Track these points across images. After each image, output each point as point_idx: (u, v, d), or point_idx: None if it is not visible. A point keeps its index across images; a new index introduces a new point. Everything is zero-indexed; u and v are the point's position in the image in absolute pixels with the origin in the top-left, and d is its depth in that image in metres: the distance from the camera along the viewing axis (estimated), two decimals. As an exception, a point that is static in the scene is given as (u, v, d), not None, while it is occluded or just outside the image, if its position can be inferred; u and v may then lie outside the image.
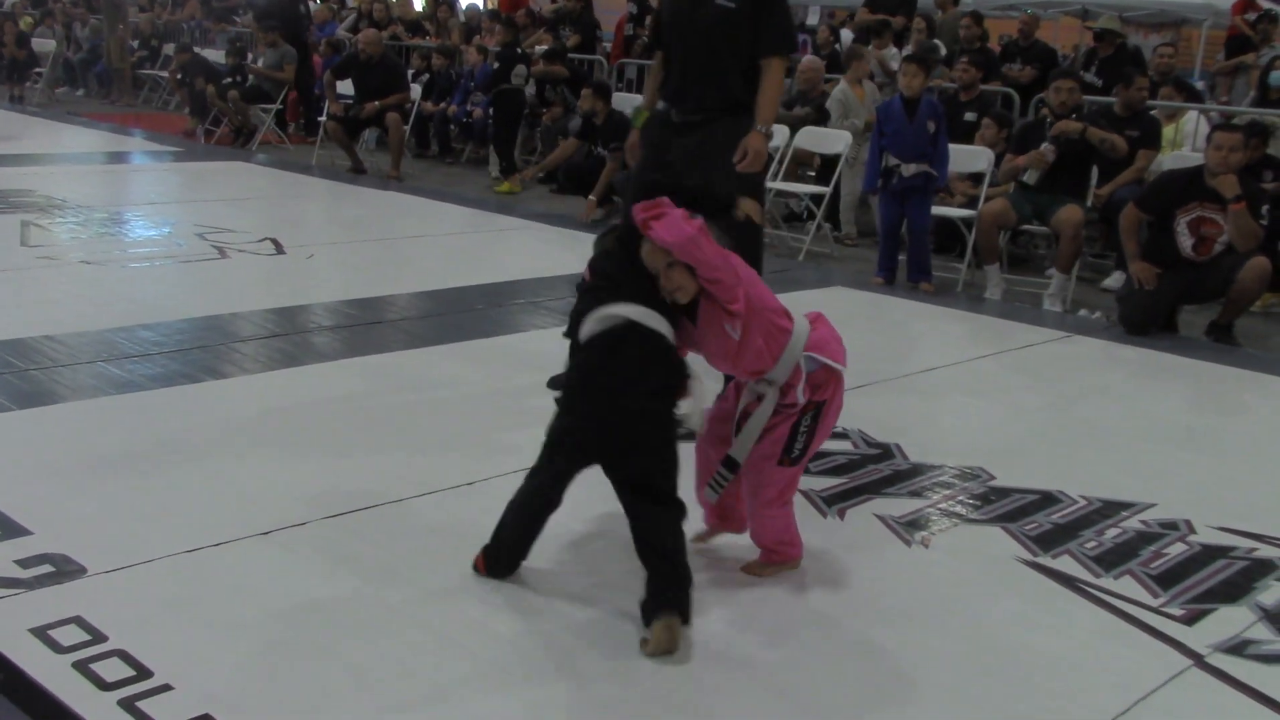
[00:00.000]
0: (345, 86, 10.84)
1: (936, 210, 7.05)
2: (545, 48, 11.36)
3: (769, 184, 8.24)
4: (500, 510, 2.96)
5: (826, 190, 8.11)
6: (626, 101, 11.10)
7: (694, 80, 4.30)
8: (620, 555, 2.98)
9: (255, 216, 8.15)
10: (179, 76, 13.80)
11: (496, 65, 10.62)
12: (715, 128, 4.29)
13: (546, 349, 4.92)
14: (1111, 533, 3.48)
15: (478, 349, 5.05)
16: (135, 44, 16.82)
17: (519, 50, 10.77)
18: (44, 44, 17.71)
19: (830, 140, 8.42)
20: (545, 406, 4.33)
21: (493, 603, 2.87)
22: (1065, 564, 3.26)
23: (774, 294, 2.90)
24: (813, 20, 13.64)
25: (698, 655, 2.68)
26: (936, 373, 5.20)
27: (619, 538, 2.94)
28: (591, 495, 2.99)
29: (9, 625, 2.58)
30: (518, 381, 4.59)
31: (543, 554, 3.02)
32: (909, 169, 6.71)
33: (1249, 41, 10.01)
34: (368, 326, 5.36)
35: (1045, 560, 3.28)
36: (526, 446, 3.95)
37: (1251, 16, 10.33)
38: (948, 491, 3.75)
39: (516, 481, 3.65)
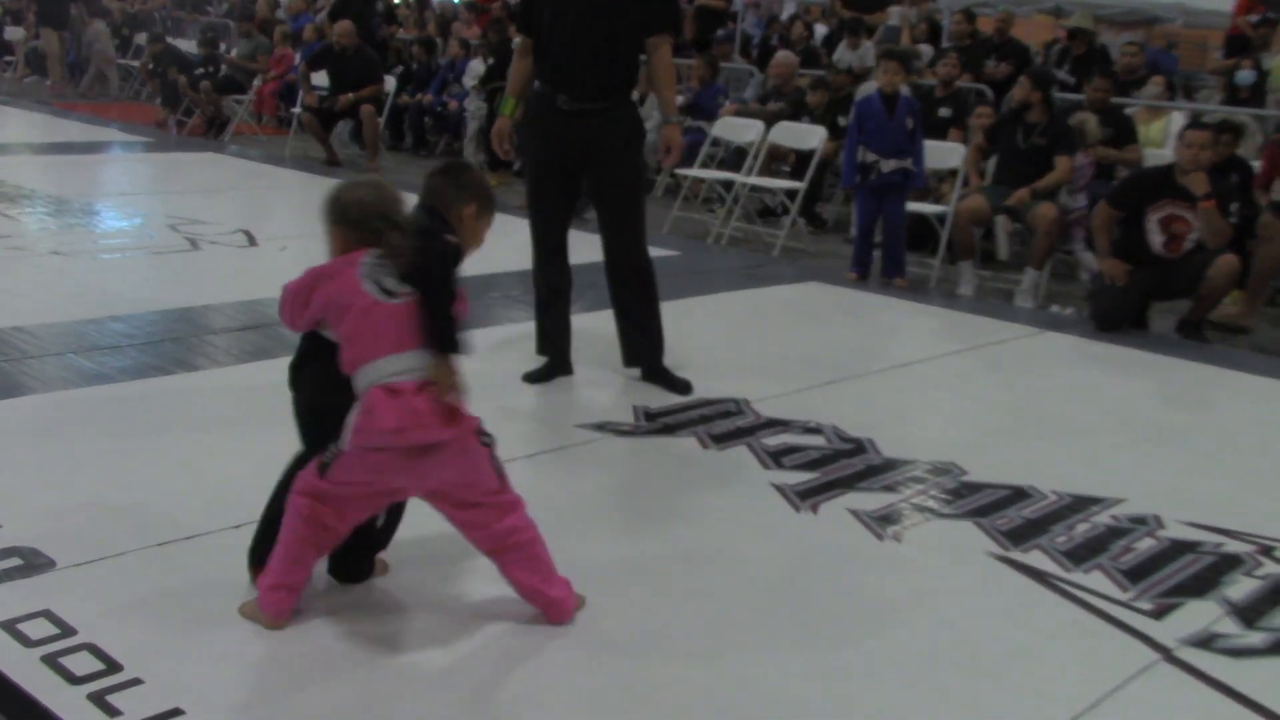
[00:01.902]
0: (317, 78, 10.80)
1: (911, 206, 7.08)
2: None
3: (745, 179, 8.29)
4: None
5: (801, 185, 8.13)
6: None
7: (580, 63, 4.19)
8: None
9: (227, 208, 8.10)
10: (151, 67, 13.70)
11: (492, 61, 10.57)
12: (616, 116, 4.27)
13: (524, 343, 4.93)
14: (1082, 527, 3.51)
15: (484, 337, 5.02)
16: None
17: (511, 47, 10.72)
18: (15, 32, 17.56)
19: (805, 136, 8.43)
20: (521, 400, 4.35)
21: (465, 587, 2.86)
22: (1035, 559, 3.28)
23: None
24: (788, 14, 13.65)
25: (661, 647, 2.68)
26: (910, 368, 5.22)
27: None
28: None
29: (-23, 619, 2.57)
30: (492, 375, 4.57)
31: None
32: (888, 165, 6.73)
33: (1248, 43, 10.04)
34: (341, 319, 5.34)
35: (1016, 555, 3.30)
36: (500, 438, 3.96)
37: (1254, 18, 10.37)
38: (920, 486, 3.76)
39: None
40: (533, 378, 4.57)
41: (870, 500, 3.62)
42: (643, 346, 4.61)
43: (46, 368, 4.34)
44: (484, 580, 2.96)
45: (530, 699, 2.46)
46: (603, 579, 3.01)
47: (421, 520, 2.88)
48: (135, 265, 6.31)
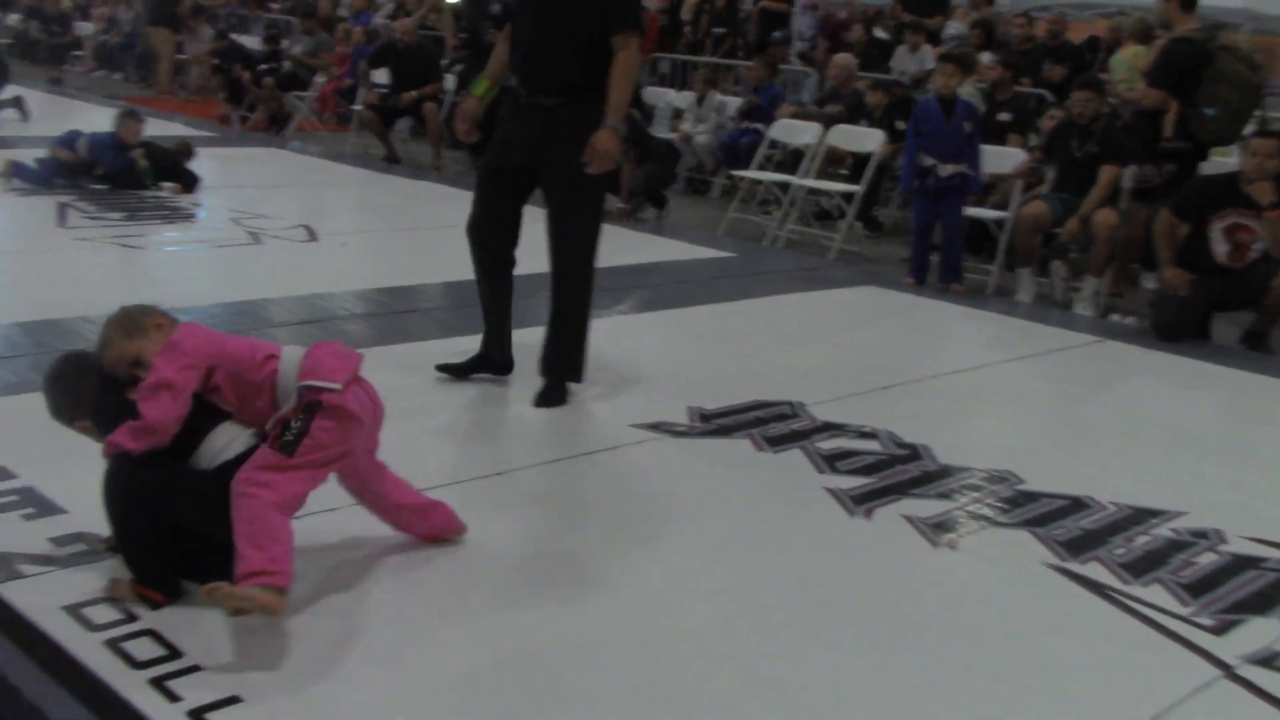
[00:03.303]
0: (377, 75, 10.89)
1: (969, 211, 7.02)
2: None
3: (802, 181, 8.25)
4: (557, 502, 2.96)
5: (859, 189, 8.08)
6: (658, 96, 11.13)
7: (536, 58, 4.10)
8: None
9: (289, 203, 8.19)
10: (215, 63, 13.87)
11: None
12: (561, 114, 4.08)
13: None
14: (1141, 540, 3.46)
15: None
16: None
17: None
18: (85, 27, 17.87)
19: (863, 138, 8.38)
20: (575, 398, 4.35)
21: (510, 585, 2.87)
22: (1094, 570, 3.23)
23: (251, 345, 2.75)
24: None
25: (710, 649, 2.67)
26: (967, 374, 5.17)
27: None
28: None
29: (44, 602, 2.61)
30: (534, 371, 4.58)
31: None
32: (945, 169, 6.68)
33: None
34: (399, 315, 5.38)
35: (1073, 566, 3.25)
36: (554, 437, 3.98)
37: None
38: (976, 494, 3.73)
39: (546, 471, 3.69)
40: (449, 367, 4.41)
41: (925, 507, 3.59)
42: (560, 351, 4.32)
43: (111, 357, 4.40)
44: (524, 580, 2.98)
45: (572, 695, 2.46)
46: (653, 579, 3.01)
47: (486, 524, 2.89)
48: (198, 258, 6.39)
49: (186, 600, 2.67)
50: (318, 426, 2.57)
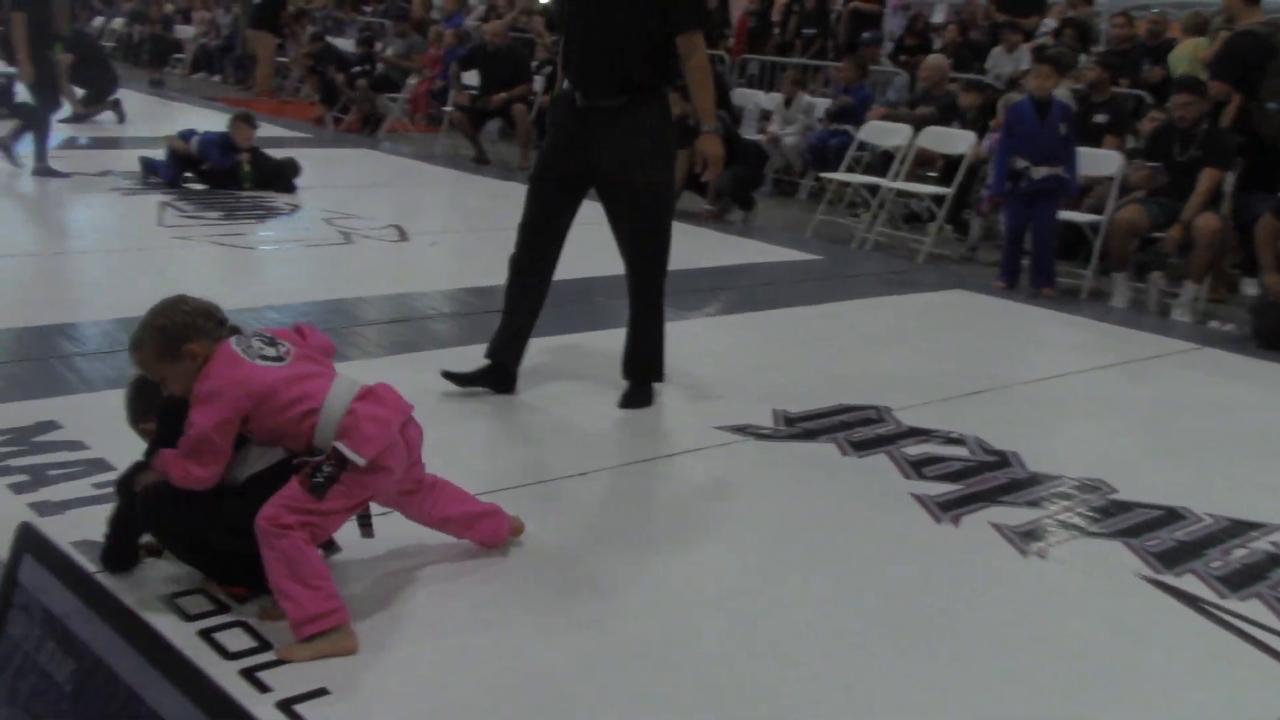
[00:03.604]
0: (467, 77, 11.01)
1: (1063, 215, 6.90)
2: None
3: (891, 183, 8.18)
4: (618, 502, 2.97)
5: (949, 191, 7.98)
6: (746, 98, 11.10)
7: (594, 60, 4.00)
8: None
9: (380, 203, 8.32)
10: (310, 64, 14.14)
11: None
12: (620, 116, 3.99)
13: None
14: (1239, 553, 3.37)
15: (595, 340, 5.07)
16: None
17: None
18: (185, 30, 18.32)
19: (953, 140, 8.28)
20: (660, 400, 4.35)
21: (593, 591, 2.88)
22: (1189, 583, 3.16)
23: (294, 397, 2.55)
24: (939, 18, 13.43)
25: (790, 654, 2.66)
26: (1058, 381, 5.08)
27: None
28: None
29: (145, 593, 2.68)
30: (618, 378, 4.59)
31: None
32: (1039, 172, 6.57)
33: None
34: (487, 315, 5.42)
35: (1168, 578, 3.18)
36: (637, 439, 3.99)
37: None
38: (1067, 503, 3.66)
39: (628, 472, 3.70)
40: (461, 378, 4.23)
41: (1014, 515, 3.53)
42: (639, 356, 4.33)
43: (207, 353, 4.51)
44: (603, 581, 2.99)
45: (658, 697, 2.46)
46: (735, 584, 3.00)
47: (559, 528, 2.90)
48: (292, 257, 6.52)
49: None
50: (348, 476, 2.53)
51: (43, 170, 8.13)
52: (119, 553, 2.77)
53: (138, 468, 2.73)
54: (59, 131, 8.52)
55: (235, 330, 2.63)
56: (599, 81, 4.02)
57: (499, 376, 4.28)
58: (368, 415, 2.57)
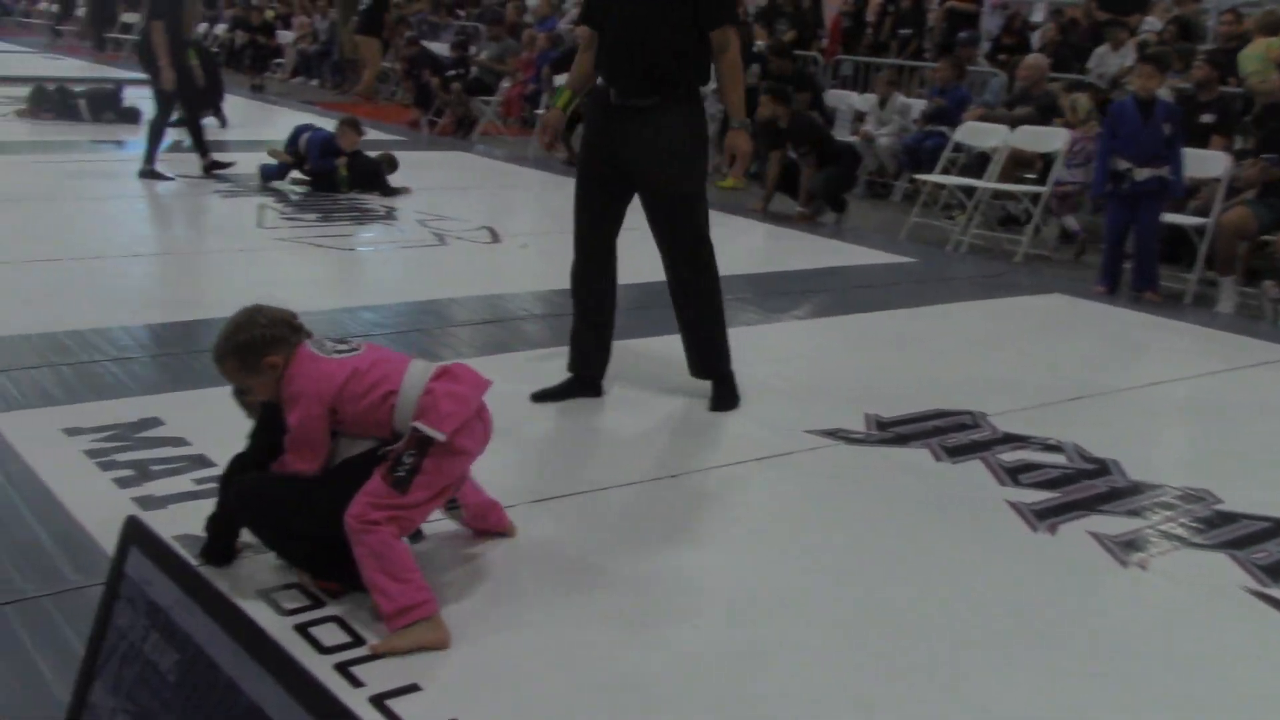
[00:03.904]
0: (559, 80, 11.08)
1: (1167, 217, 6.73)
2: (764, 44, 11.33)
3: (987, 184, 8.06)
4: (706, 506, 2.96)
5: (1047, 191, 7.84)
6: (840, 99, 11.02)
7: (628, 57, 3.96)
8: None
9: (473, 205, 8.41)
10: (406, 68, 14.35)
11: None
12: (666, 114, 3.96)
13: (753, 344, 4.93)
14: (1351, 567, 3.26)
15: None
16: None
17: (751, 49, 10.75)
18: (285, 36, 18.70)
19: (1050, 139, 8.13)
20: (751, 403, 4.33)
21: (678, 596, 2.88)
22: (1297, 597, 3.07)
23: (371, 381, 2.63)
24: (1038, 17, 13.19)
25: (877, 665, 2.63)
26: (1160, 387, 4.96)
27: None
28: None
29: (241, 586, 2.74)
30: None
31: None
32: (1142, 173, 6.43)
33: None
34: (577, 316, 5.46)
35: (1274, 591, 3.08)
36: (727, 441, 3.98)
37: None
38: (1169, 513, 3.57)
39: (717, 475, 3.69)
40: (545, 395, 4.22)
41: (1114, 524, 3.45)
42: (699, 357, 4.30)
43: (304, 353, 4.60)
44: (694, 586, 2.98)
45: (753, 699, 2.45)
46: (826, 590, 2.98)
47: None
48: (388, 258, 6.62)
49: (365, 598, 2.76)
50: (429, 463, 2.57)
51: (148, 173, 8.37)
52: (219, 547, 2.84)
53: (238, 461, 2.80)
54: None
55: (311, 334, 2.74)
56: (631, 79, 3.99)
57: (586, 386, 4.31)
58: (445, 393, 2.63)
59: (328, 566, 2.73)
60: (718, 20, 3.94)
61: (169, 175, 8.42)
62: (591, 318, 4.29)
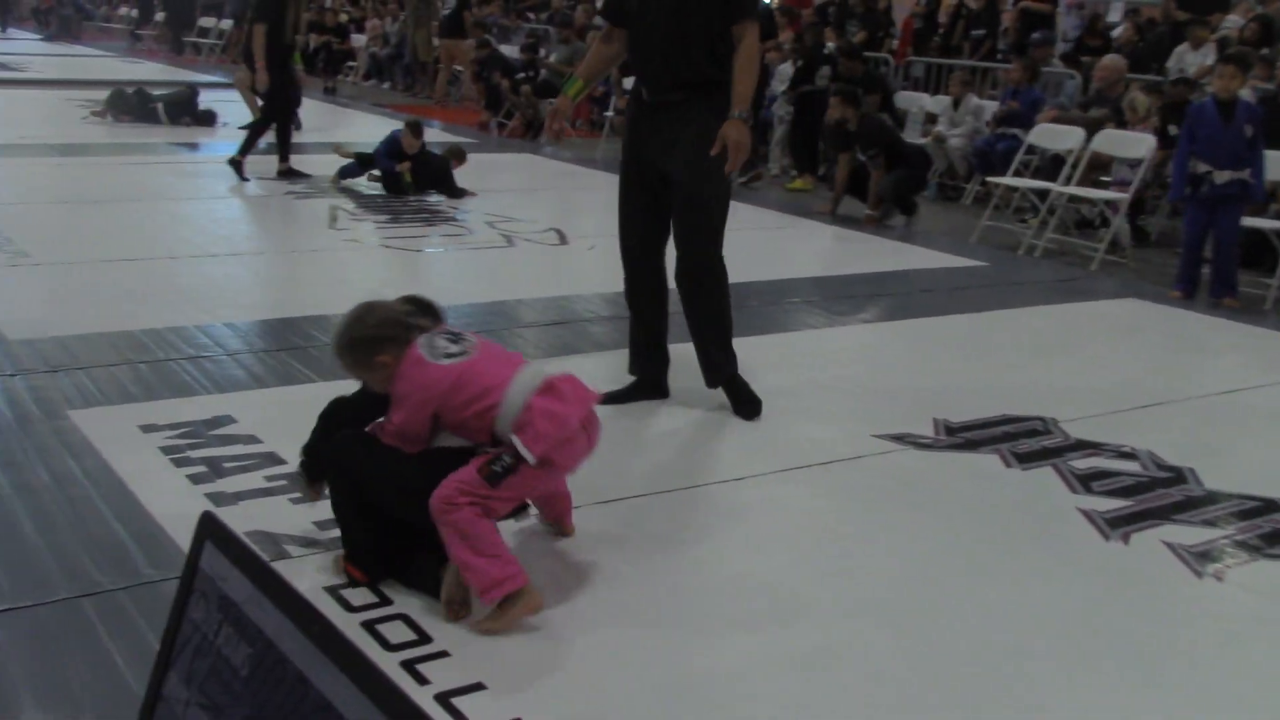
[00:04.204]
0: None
1: (1247, 221, 6.60)
2: (834, 45, 11.28)
3: (1062, 188, 7.95)
4: (773, 509, 2.94)
5: (1124, 196, 7.71)
6: (911, 100, 10.94)
7: (657, 54, 3.96)
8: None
9: (542, 207, 8.46)
10: (476, 70, 14.47)
11: (800, 64, 10.60)
12: (693, 109, 3.94)
13: (818, 347, 4.91)
14: None
15: (748, 346, 5.06)
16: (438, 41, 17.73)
17: (823, 50, 10.71)
18: (359, 38, 18.93)
19: (1130, 144, 8.00)
20: (818, 406, 4.32)
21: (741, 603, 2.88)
22: (1380, 612, 2.99)
23: (473, 393, 2.66)
24: (1114, 17, 12.99)
25: (948, 673, 2.61)
26: (1239, 395, 4.86)
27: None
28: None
29: (308, 583, 2.79)
30: (780, 380, 4.58)
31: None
32: (1222, 176, 6.31)
33: None
34: (644, 318, 5.47)
35: (1357, 606, 3.02)
36: (793, 446, 3.96)
37: None
38: (1246, 523, 3.50)
39: (783, 479, 3.68)
40: (612, 397, 4.13)
41: (1189, 534, 3.40)
42: (705, 361, 4.25)
43: (374, 353, 4.66)
44: (757, 589, 2.98)
45: (808, 705, 2.45)
46: (893, 593, 2.96)
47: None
48: (456, 260, 6.68)
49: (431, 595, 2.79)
50: (525, 469, 2.63)
51: (235, 163, 8.56)
52: (310, 466, 2.96)
53: (337, 402, 2.97)
54: (238, 138, 8.91)
55: (425, 327, 2.79)
56: (661, 76, 4.01)
57: (651, 388, 4.33)
58: (544, 411, 2.66)
59: (367, 553, 2.79)
60: (742, 14, 3.94)
61: (247, 177, 8.57)
62: (646, 322, 4.30)
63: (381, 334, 2.72)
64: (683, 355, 4.37)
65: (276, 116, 8.74)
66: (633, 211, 4.19)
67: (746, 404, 4.22)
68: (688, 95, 3.99)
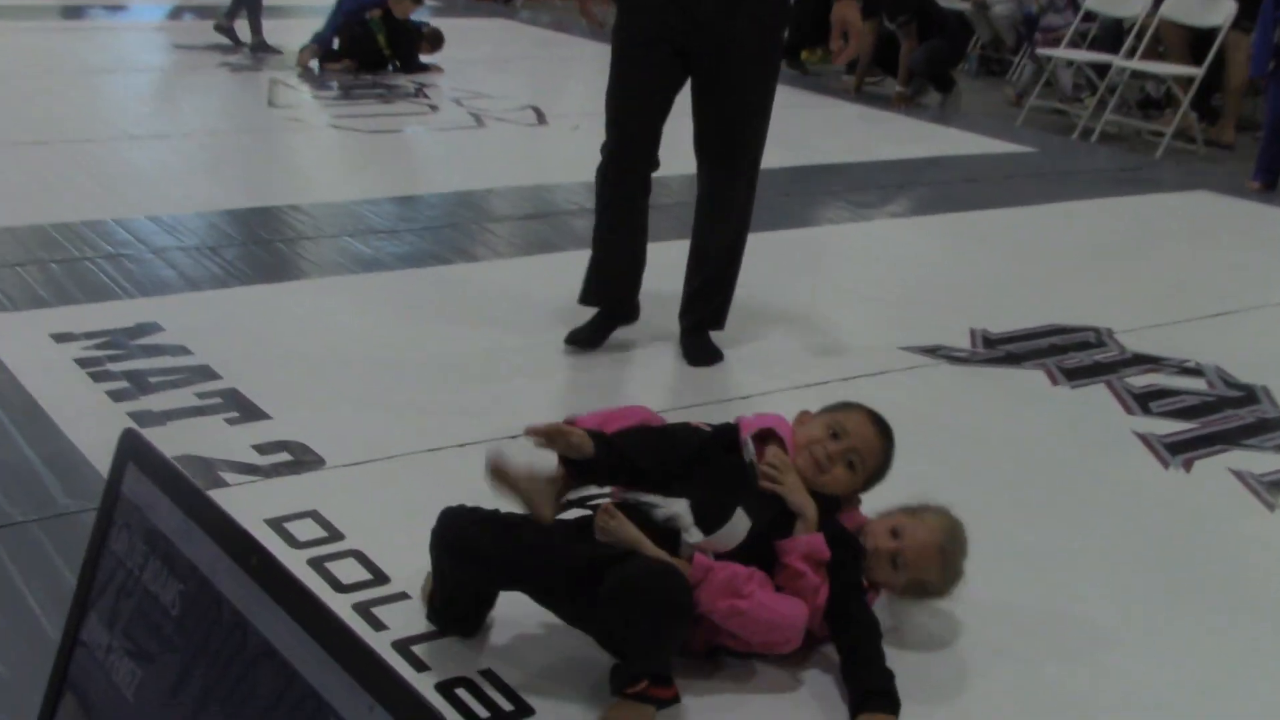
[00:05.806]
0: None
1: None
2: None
3: (1124, 62, 7.89)
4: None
5: (1198, 72, 7.65)
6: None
7: None
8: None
9: (517, 81, 8.39)
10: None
11: None
12: None
13: (840, 245, 4.89)
14: None
15: (759, 243, 5.03)
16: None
17: None
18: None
19: (1205, 11, 7.91)
20: (838, 316, 4.32)
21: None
22: None
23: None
24: None
25: (985, 614, 2.64)
26: (1322, 303, 4.89)
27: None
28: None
29: (247, 514, 2.79)
30: (794, 283, 4.57)
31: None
32: (1311, 48, 6.28)
33: None
34: (636, 212, 5.45)
35: None
36: (811, 360, 3.97)
37: None
38: (1327, 449, 3.54)
39: (800, 397, 3.69)
40: (577, 339, 3.85)
41: (1260, 461, 3.43)
42: (701, 296, 3.91)
43: (321, 250, 4.65)
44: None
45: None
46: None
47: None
48: (417, 142, 6.63)
49: (396, 522, 2.80)
50: None
51: (259, 45, 8.52)
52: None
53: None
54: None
55: None
56: None
57: (621, 316, 3.93)
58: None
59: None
60: None
61: (242, 41, 8.55)
62: (624, 247, 3.83)
63: None
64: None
65: None
66: (634, 88, 3.68)
67: (706, 351, 3.92)
68: None
